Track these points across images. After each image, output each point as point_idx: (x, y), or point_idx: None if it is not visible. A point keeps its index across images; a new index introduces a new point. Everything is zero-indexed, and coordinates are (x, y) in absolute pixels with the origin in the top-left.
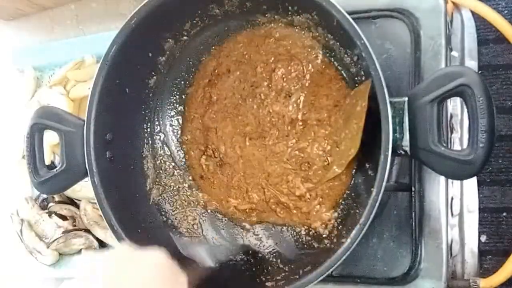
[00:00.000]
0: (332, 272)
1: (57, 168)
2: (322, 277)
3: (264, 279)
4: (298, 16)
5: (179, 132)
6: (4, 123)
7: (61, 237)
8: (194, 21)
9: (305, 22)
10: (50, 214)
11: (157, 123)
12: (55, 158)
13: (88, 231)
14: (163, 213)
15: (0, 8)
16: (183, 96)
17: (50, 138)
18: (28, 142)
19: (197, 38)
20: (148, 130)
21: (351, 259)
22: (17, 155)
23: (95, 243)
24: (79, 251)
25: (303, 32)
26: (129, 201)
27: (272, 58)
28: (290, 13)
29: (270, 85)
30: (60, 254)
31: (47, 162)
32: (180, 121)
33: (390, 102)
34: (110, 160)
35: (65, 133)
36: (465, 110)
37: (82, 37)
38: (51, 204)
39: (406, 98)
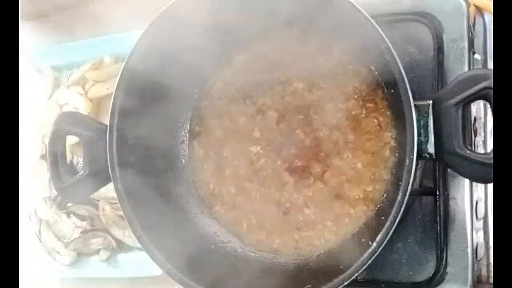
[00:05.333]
0: (357, 277)
1: (80, 174)
2: (347, 282)
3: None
4: None
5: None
6: (22, 123)
7: (80, 237)
8: None
9: None
10: (68, 214)
11: (179, 126)
12: (74, 158)
13: (106, 231)
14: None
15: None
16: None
17: (70, 138)
18: (50, 148)
19: None
20: (172, 134)
21: (376, 263)
22: (35, 155)
23: (114, 243)
24: (98, 251)
25: None
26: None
27: None
28: None
29: None
30: (78, 254)
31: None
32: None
33: (415, 105)
34: (133, 165)
35: (88, 139)
36: (489, 113)
37: (101, 37)
38: (69, 204)
39: (431, 101)
